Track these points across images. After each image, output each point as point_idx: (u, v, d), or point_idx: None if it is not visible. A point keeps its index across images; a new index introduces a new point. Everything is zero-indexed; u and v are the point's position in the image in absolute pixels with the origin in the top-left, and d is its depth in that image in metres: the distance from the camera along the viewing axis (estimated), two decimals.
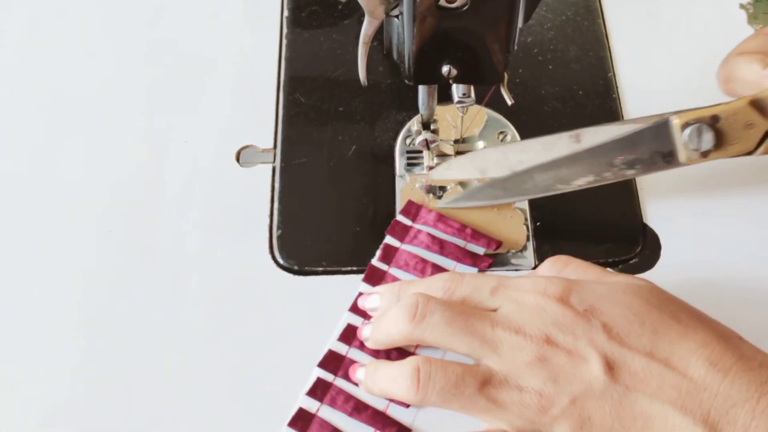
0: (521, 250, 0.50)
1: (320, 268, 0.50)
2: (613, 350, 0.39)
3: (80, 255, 0.51)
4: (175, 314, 0.49)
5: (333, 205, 0.53)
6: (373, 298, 0.47)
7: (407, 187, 0.53)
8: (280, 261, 0.50)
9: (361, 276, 0.49)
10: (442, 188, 0.52)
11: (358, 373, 0.45)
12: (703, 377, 0.38)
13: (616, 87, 0.57)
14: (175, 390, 0.46)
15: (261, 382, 0.46)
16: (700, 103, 0.46)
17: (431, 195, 0.52)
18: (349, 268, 0.50)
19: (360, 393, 0.45)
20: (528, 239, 0.50)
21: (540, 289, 0.42)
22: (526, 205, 0.52)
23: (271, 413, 0.45)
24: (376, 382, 0.43)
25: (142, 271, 0.50)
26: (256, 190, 0.53)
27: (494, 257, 0.50)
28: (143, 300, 0.49)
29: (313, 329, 0.48)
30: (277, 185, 0.53)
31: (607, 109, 0.56)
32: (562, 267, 0.45)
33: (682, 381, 0.38)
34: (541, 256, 0.50)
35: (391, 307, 0.44)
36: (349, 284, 0.49)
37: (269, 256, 0.50)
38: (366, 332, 0.46)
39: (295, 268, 0.50)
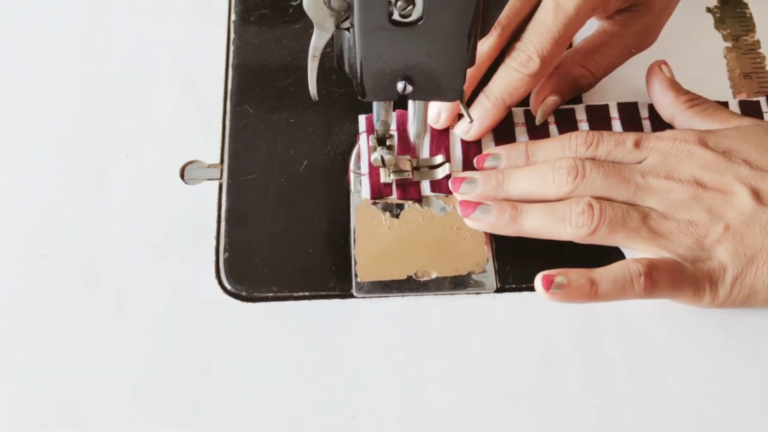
0: (482, 272, 0.48)
1: (270, 294, 0.47)
2: (756, 179, 0.44)
3: (12, 282, 0.47)
4: (116, 345, 0.45)
5: (284, 225, 0.49)
6: (493, 157, 0.49)
7: (362, 204, 0.50)
8: (228, 287, 0.47)
9: (314, 302, 0.47)
10: (399, 206, 0.50)
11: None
12: None
13: None
14: (117, 422, 0.43)
15: (209, 417, 0.43)
16: None
17: (387, 213, 0.49)
18: (301, 294, 0.47)
19: None
20: (488, 260, 0.48)
21: (679, 137, 0.46)
22: None
23: None
24: (528, 221, 0.46)
25: (80, 298, 0.47)
26: (202, 210, 0.50)
27: (454, 279, 0.47)
28: (83, 328, 0.46)
29: (263, 361, 0.45)
30: (224, 204, 0.50)
31: None
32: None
33: None
34: (502, 278, 0.47)
35: (517, 166, 0.48)
36: (303, 311, 0.46)
37: (215, 282, 0.47)
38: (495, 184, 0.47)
39: (244, 294, 0.47)
